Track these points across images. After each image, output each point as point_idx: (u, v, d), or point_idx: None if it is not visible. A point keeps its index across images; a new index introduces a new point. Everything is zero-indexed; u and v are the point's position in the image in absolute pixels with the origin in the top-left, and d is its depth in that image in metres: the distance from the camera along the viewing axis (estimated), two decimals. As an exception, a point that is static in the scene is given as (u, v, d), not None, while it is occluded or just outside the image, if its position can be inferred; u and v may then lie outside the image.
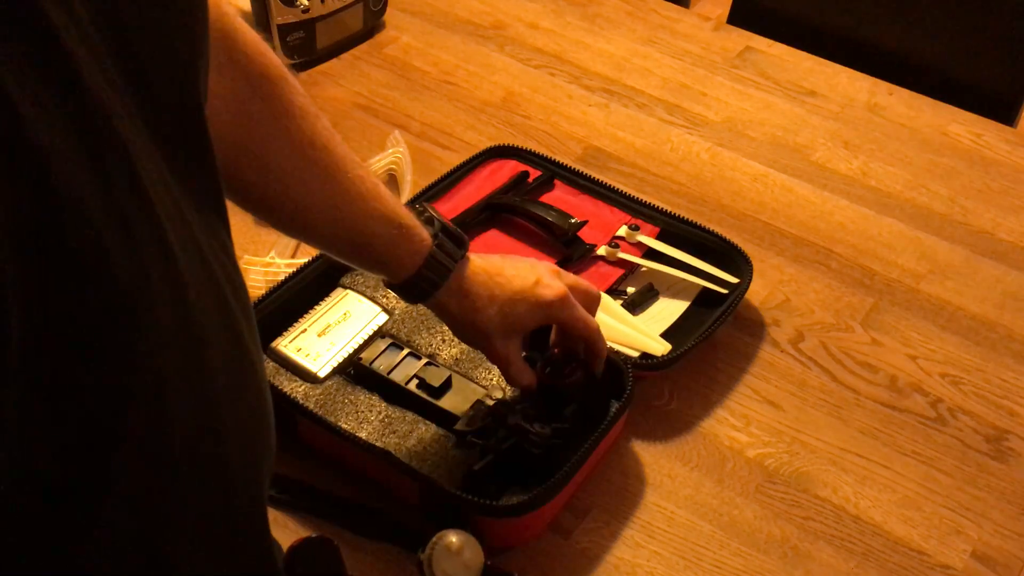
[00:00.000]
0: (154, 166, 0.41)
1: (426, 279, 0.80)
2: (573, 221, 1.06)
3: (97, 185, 0.37)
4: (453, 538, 0.47)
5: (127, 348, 0.38)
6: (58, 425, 0.35)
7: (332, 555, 0.44)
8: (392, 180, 1.18)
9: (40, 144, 0.34)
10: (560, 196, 1.13)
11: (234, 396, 0.46)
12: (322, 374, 0.91)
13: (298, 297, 0.96)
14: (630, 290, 1.03)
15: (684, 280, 1.04)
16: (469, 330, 0.84)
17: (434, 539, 0.47)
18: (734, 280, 1.03)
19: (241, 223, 1.11)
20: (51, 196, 0.35)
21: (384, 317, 0.96)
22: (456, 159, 1.16)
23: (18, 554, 0.36)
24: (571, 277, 0.87)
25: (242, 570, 0.49)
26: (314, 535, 0.43)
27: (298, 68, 1.32)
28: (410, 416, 0.88)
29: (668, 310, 1.02)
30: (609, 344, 0.94)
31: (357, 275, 1.00)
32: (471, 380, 0.91)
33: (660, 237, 1.09)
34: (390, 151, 1.17)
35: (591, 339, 0.86)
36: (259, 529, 0.51)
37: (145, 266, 0.39)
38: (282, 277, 0.98)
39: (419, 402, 0.89)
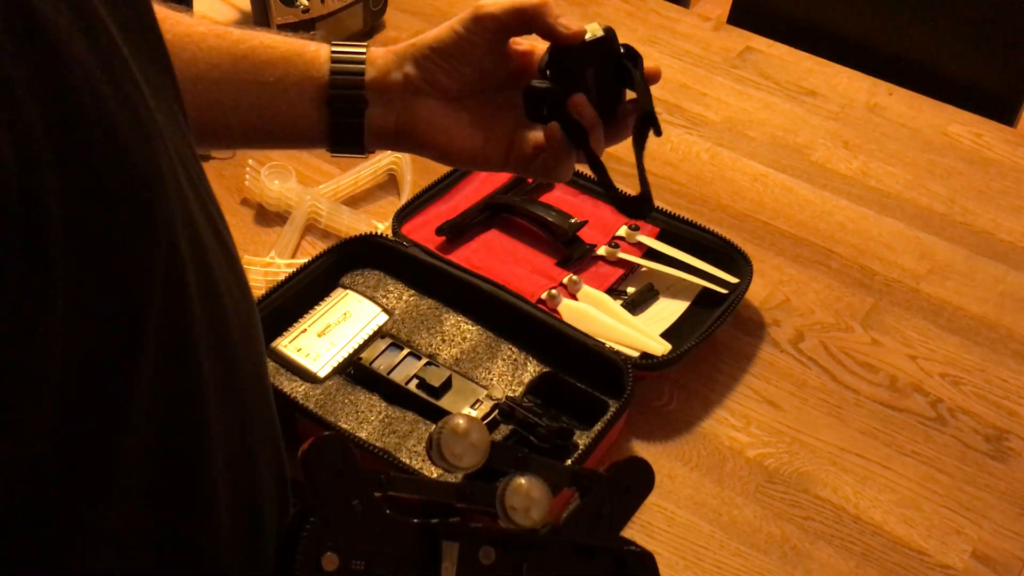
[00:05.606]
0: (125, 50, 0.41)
1: (344, 71, 0.73)
2: (573, 221, 1.06)
3: (100, 63, 0.38)
4: (460, 421, 0.47)
5: (147, 223, 0.39)
6: (97, 297, 0.37)
7: (343, 448, 0.44)
8: (392, 180, 1.18)
9: (48, 19, 0.35)
10: (560, 196, 1.13)
11: (226, 273, 0.48)
12: (322, 374, 0.91)
13: (298, 297, 0.96)
14: (630, 290, 1.03)
15: (684, 280, 1.04)
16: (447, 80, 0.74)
17: (440, 424, 0.47)
18: (734, 280, 1.03)
19: (241, 223, 1.11)
20: (65, 72, 0.35)
21: (384, 317, 0.96)
22: (456, 159, 1.16)
23: (61, 413, 0.37)
24: None
25: (259, 448, 0.51)
26: (324, 433, 0.44)
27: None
28: (410, 416, 0.88)
29: (668, 310, 1.02)
30: (609, 344, 0.94)
31: (357, 275, 1.00)
32: (471, 380, 0.91)
33: (660, 237, 1.09)
34: (390, 151, 1.17)
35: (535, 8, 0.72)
36: (268, 418, 0.54)
37: (154, 148, 0.40)
38: (282, 277, 0.98)
39: (419, 402, 0.89)
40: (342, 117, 0.74)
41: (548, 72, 0.73)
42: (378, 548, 0.45)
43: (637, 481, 0.52)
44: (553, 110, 0.73)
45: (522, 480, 0.48)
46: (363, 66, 0.74)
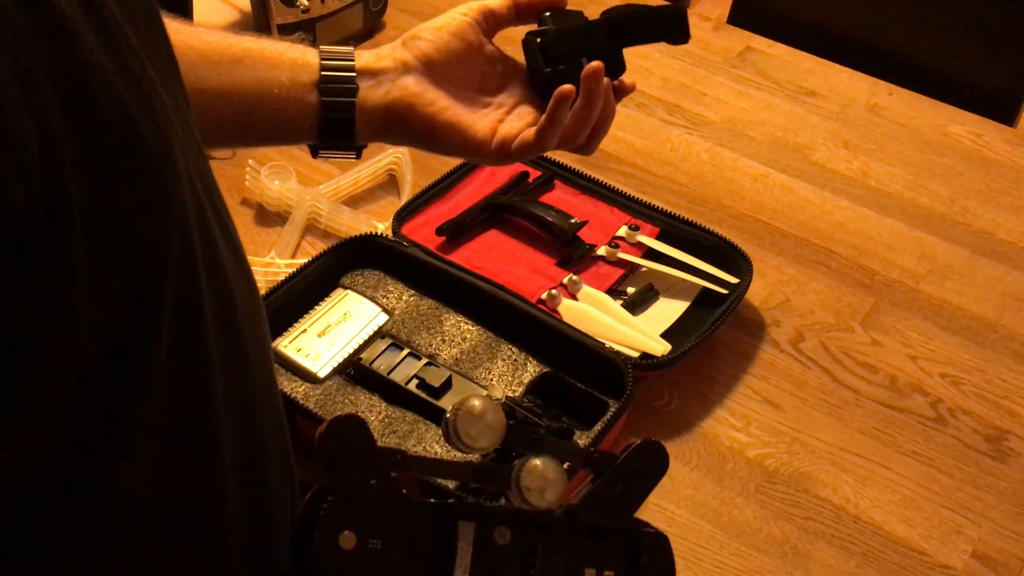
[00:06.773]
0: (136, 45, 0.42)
1: (335, 58, 0.76)
2: (573, 221, 1.06)
3: (113, 57, 0.38)
4: (476, 402, 0.47)
5: (162, 203, 0.40)
6: (117, 275, 0.38)
7: (361, 429, 0.44)
8: (392, 180, 1.18)
9: (64, 14, 0.36)
10: (560, 196, 1.13)
11: (233, 267, 0.49)
12: (322, 374, 0.91)
13: (298, 297, 0.96)
14: (630, 290, 1.03)
15: (684, 280, 1.04)
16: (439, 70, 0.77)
17: (456, 405, 0.47)
18: (734, 280, 1.03)
19: (241, 224, 1.11)
20: (80, 65, 0.36)
21: (384, 317, 0.96)
22: (456, 159, 1.16)
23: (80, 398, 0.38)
24: None
25: (266, 438, 0.52)
26: (341, 414, 0.45)
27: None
28: (410, 416, 0.88)
29: (668, 310, 1.02)
30: (609, 344, 0.94)
31: (357, 275, 1.00)
32: (471, 380, 0.91)
33: (660, 237, 1.09)
34: (390, 151, 1.17)
35: None
36: (275, 410, 0.54)
37: (167, 139, 0.41)
38: (282, 277, 0.98)
39: (419, 402, 0.89)
40: (333, 96, 0.75)
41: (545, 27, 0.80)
42: (395, 527, 0.45)
43: (651, 464, 0.53)
44: (554, 55, 0.79)
45: (537, 461, 0.48)
46: (352, 55, 0.76)
